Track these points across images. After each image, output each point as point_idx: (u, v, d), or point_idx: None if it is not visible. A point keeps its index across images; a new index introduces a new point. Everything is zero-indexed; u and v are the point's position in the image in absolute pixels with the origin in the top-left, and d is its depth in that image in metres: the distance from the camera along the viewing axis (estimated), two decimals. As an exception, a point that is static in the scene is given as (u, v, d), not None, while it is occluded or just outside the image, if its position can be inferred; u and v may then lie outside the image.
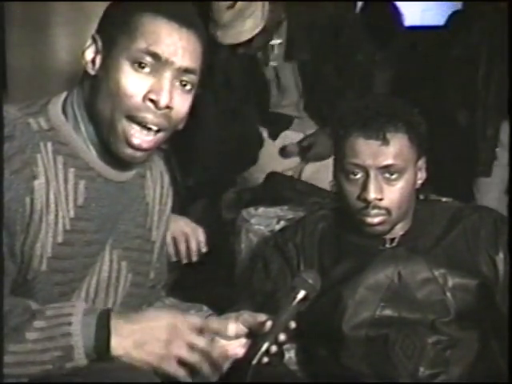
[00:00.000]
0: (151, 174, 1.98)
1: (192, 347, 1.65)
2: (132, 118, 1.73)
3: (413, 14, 5.90)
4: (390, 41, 5.06)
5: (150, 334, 1.65)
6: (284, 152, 3.66)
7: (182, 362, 1.65)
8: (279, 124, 3.75)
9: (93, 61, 1.77)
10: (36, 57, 3.43)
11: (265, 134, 3.75)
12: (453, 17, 5.28)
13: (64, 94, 1.83)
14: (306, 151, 3.64)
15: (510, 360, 2.00)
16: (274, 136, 3.74)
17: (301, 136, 3.70)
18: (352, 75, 3.65)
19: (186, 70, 1.76)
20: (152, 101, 1.73)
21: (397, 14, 5.24)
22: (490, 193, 4.28)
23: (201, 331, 1.68)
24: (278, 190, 3.32)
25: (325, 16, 3.55)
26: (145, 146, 1.76)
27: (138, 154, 1.77)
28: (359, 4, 5.65)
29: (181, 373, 1.65)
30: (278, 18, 3.49)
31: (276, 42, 3.56)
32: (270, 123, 3.75)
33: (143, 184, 1.95)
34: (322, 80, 3.64)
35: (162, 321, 1.68)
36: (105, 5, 1.83)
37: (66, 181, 1.77)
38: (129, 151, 1.76)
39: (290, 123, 3.73)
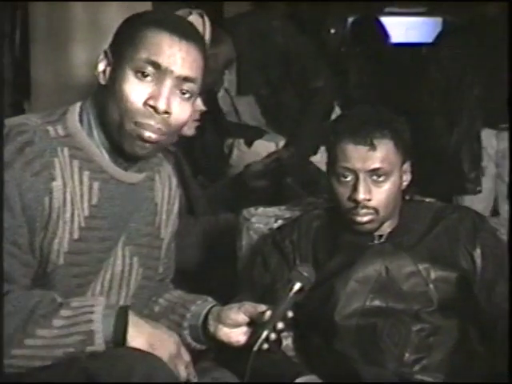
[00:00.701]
0: (160, 177, 1.97)
1: (186, 364, 1.76)
2: (138, 124, 1.72)
3: (398, 32, 5.90)
4: (378, 56, 5.05)
5: (162, 343, 1.71)
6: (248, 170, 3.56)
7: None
8: (252, 134, 3.76)
9: (104, 72, 1.76)
10: (57, 71, 3.43)
11: (241, 141, 3.77)
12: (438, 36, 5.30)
13: (79, 104, 1.82)
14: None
15: (511, 359, 1.96)
16: (248, 144, 3.76)
17: (273, 145, 3.69)
18: (312, 100, 3.62)
19: (186, 79, 1.75)
20: (151, 106, 1.72)
21: (383, 32, 5.23)
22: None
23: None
24: (300, 164, 3.29)
25: (275, 50, 3.52)
26: (153, 138, 1.74)
27: (147, 145, 1.75)
28: (349, 21, 5.66)
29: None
30: (226, 59, 3.46)
31: (229, 77, 3.54)
32: (243, 133, 3.77)
33: (152, 186, 1.94)
34: (282, 108, 3.64)
35: (172, 338, 1.75)
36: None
37: (81, 182, 1.76)
38: (139, 143, 1.74)
39: (261, 134, 3.73)
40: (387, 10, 7.67)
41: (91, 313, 1.66)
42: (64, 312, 1.65)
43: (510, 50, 3.52)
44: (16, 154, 1.67)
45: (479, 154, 4.02)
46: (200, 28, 2.88)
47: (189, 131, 2.84)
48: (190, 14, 2.89)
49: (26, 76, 3.51)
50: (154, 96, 1.72)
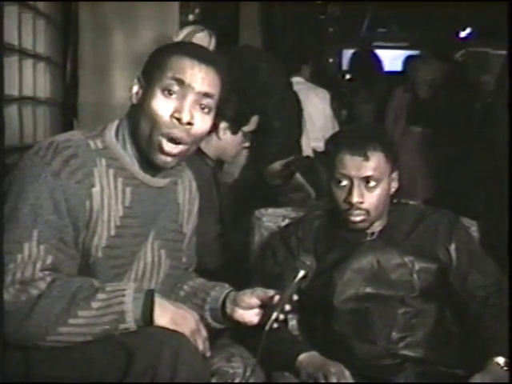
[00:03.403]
0: (182, 181, 1.94)
1: (204, 339, 1.72)
2: (164, 135, 1.71)
3: (385, 63, 5.88)
4: (373, 81, 5.03)
5: (184, 320, 1.68)
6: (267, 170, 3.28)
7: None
8: None
9: (136, 93, 1.76)
10: (100, 94, 3.44)
11: None
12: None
13: (117, 121, 1.81)
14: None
15: (511, 357, 1.92)
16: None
17: None
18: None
19: (205, 95, 1.73)
20: (176, 118, 1.71)
21: (378, 62, 5.22)
22: None
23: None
24: (313, 164, 3.24)
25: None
26: (174, 152, 1.73)
27: (169, 159, 1.74)
28: (349, 53, 5.64)
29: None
30: None
31: None
32: None
33: (176, 189, 1.92)
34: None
35: (193, 316, 1.71)
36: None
37: (116, 187, 1.75)
38: (162, 157, 1.73)
39: None
40: (376, 44, 7.71)
41: (123, 296, 1.65)
42: (100, 295, 1.63)
43: (510, 51, 3.23)
44: (63, 165, 1.66)
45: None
46: (205, 45, 2.84)
47: (230, 159, 2.84)
48: (202, 31, 2.84)
49: (75, 99, 3.52)
50: (178, 109, 1.71)
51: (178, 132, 1.71)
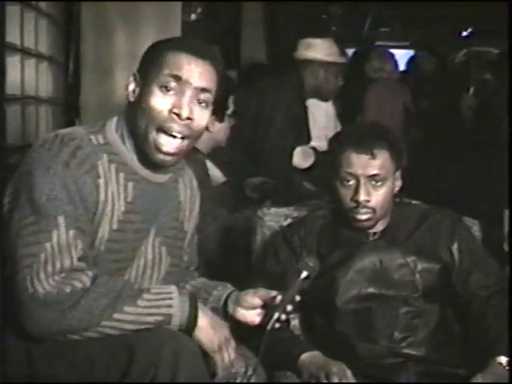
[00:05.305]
0: (183, 179, 1.95)
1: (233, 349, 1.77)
2: (161, 129, 1.72)
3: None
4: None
5: (220, 327, 1.76)
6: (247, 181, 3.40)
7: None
8: None
9: (133, 91, 1.76)
10: (102, 94, 3.45)
11: None
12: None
13: (115, 118, 1.82)
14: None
15: (511, 357, 1.92)
16: None
17: None
18: None
19: (202, 90, 1.74)
20: (176, 114, 1.71)
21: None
22: None
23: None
24: (291, 183, 3.26)
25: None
26: (172, 151, 1.74)
27: (168, 158, 1.75)
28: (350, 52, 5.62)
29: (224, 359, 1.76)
30: None
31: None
32: None
33: (177, 186, 1.92)
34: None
35: (225, 325, 1.79)
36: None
37: (117, 182, 1.75)
38: (160, 156, 1.74)
39: None
40: (378, 43, 7.70)
41: (170, 299, 1.68)
42: (146, 296, 1.66)
43: (511, 52, 3.23)
44: (71, 156, 1.68)
45: None
46: None
47: (223, 143, 2.94)
48: None
49: (77, 98, 3.52)
50: (176, 105, 1.72)
51: (177, 126, 1.72)
